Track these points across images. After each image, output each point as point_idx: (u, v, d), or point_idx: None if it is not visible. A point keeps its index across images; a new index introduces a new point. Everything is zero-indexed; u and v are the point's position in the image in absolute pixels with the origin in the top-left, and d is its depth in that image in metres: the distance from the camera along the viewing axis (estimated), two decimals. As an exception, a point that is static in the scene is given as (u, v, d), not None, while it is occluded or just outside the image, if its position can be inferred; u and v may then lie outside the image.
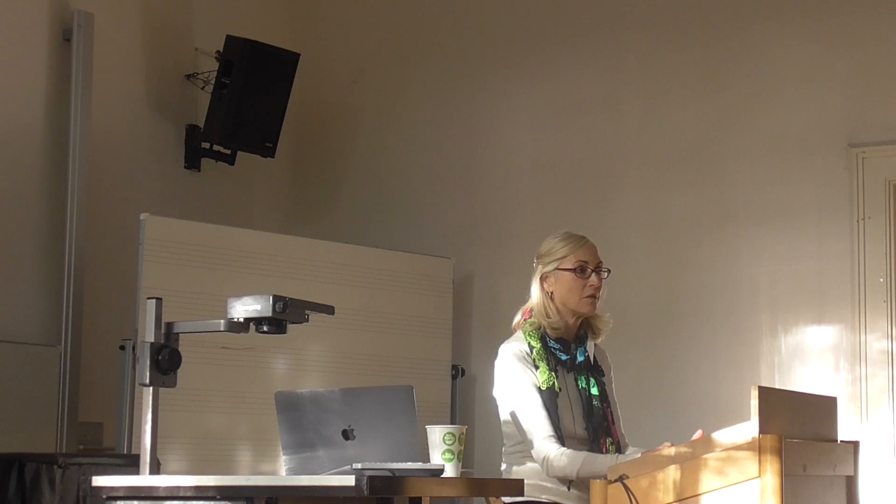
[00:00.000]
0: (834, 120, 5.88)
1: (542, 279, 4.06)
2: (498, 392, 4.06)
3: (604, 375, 4.14)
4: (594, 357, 4.14)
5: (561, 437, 3.90)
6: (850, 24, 5.89)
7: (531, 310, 4.10)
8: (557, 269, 4.04)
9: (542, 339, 4.03)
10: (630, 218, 6.20)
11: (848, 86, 5.87)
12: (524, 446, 3.97)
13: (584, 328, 4.13)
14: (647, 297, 6.13)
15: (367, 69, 6.97)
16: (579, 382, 4.05)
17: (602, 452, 3.94)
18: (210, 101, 6.22)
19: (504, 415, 4.04)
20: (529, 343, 4.01)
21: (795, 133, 5.95)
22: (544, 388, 3.94)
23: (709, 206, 6.09)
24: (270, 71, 6.25)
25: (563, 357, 4.03)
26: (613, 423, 4.07)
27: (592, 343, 4.15)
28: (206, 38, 6.43)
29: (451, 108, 6.74)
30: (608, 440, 4.01)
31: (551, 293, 4.05)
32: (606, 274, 4.08)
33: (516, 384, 3.98)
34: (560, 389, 3.97)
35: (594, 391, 4.05)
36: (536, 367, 3.97)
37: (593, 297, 4.06)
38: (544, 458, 3.88)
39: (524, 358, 3.99)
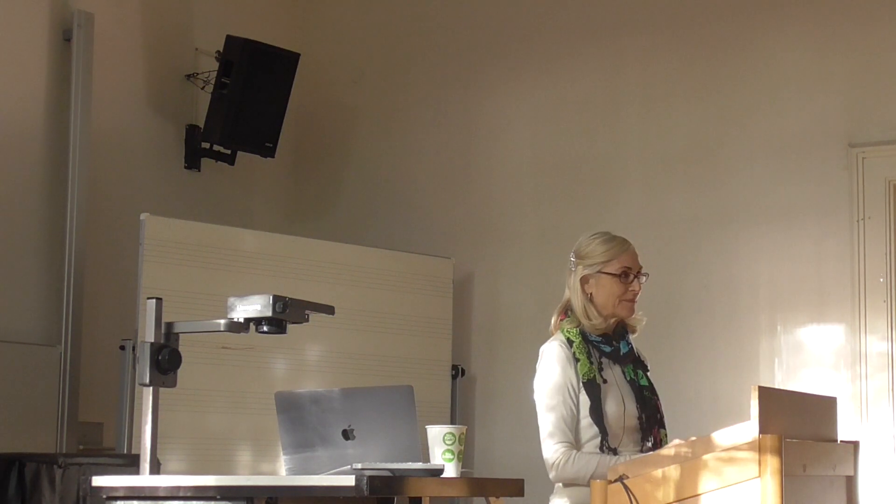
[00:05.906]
0: (834, 120, 5.88)
1: (583, 281, 4.01)
2: (536, 395, 3.97)
3: (648, 370, 4.09)
4: (637, 350, 4.11)
5: (572, 443, 3.85)
6: (850, 25, 5.89)
7: (566, 311, 4.06)
8: (600, 272, 3.99)
9: (582, 333, 3.96)
10: (630, 218, 6.20)
11: (848, 86, 5.87)
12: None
13: (622, 324, 4.08)
14: (647, 297, 6.08)
15: (367, 69, 6.97)
16: (627, 374, 3.99)
17: (655, 442, 3.90)
18: (210, 101, 6.22)
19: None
20: (569, 338, 3.94)
21: (795, 133, 5.95)
22: (585, 381, 3.88)
23: (709, 206, 6.09)
24: (270, 71, 6.25)
25: (607, 349, 3.99)
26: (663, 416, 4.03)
27: (631, 336, 4.11)
28: (206, 38, 6.43)
29: (452, 108, 6.73)
30: (662, 431, 3.97)
31: (591, 295, 4.01)
32: (645, 279, 4.06)
33: (548, 384, 3.89)
34: (605, 381, 3.92)
35: (643, 382, 4.00)
36: (577, 361, 3.91)
37: (632, 301, 4.03)
38: (554, 462, 3.83)
39: (564, 353, 3.90)
